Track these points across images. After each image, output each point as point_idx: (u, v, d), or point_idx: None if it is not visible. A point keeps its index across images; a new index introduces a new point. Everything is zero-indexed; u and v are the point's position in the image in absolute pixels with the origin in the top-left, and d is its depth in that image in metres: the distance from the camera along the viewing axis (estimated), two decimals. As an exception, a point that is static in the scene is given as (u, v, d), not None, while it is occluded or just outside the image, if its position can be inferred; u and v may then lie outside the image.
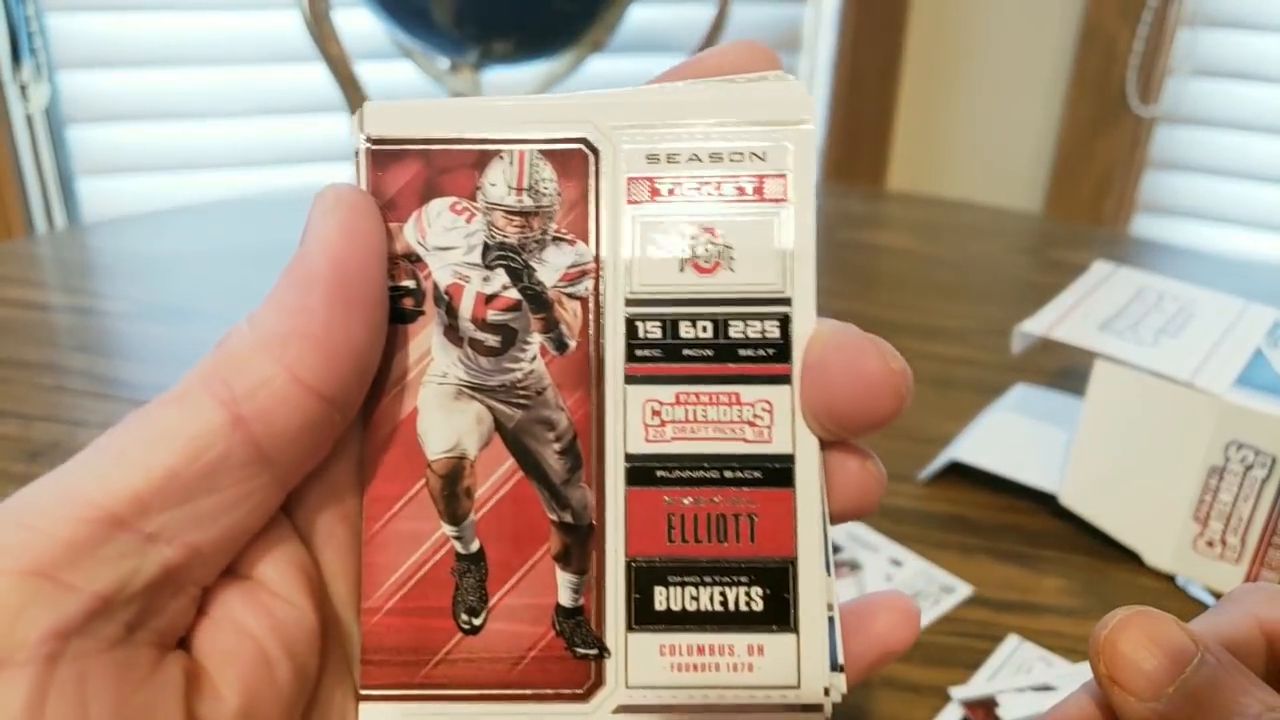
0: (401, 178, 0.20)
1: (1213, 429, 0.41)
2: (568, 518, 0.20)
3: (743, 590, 0.19)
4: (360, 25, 0.75)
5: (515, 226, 0.20)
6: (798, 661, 0.19)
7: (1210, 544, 0.42)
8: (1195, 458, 0.42)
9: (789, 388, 0.20)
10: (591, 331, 0.20)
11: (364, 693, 0.20)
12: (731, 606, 0.19)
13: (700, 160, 0.19)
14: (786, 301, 0.20)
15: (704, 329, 0.20)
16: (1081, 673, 0.39)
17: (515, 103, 0.20)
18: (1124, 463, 0.44)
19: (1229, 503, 0.41)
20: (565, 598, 0.20)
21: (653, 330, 0.20)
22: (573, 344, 0.20)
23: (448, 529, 0.20)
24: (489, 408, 0.20)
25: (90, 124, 1.15)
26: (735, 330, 0.20)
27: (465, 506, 0.20)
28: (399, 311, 0.20)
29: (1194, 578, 0.43)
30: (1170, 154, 1.32)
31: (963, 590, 0.43)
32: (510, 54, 0.76)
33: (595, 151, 0.20)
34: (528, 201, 0.20)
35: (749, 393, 0.20)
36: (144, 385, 0.60)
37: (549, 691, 0.20)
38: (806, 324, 0.20)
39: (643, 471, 0.20)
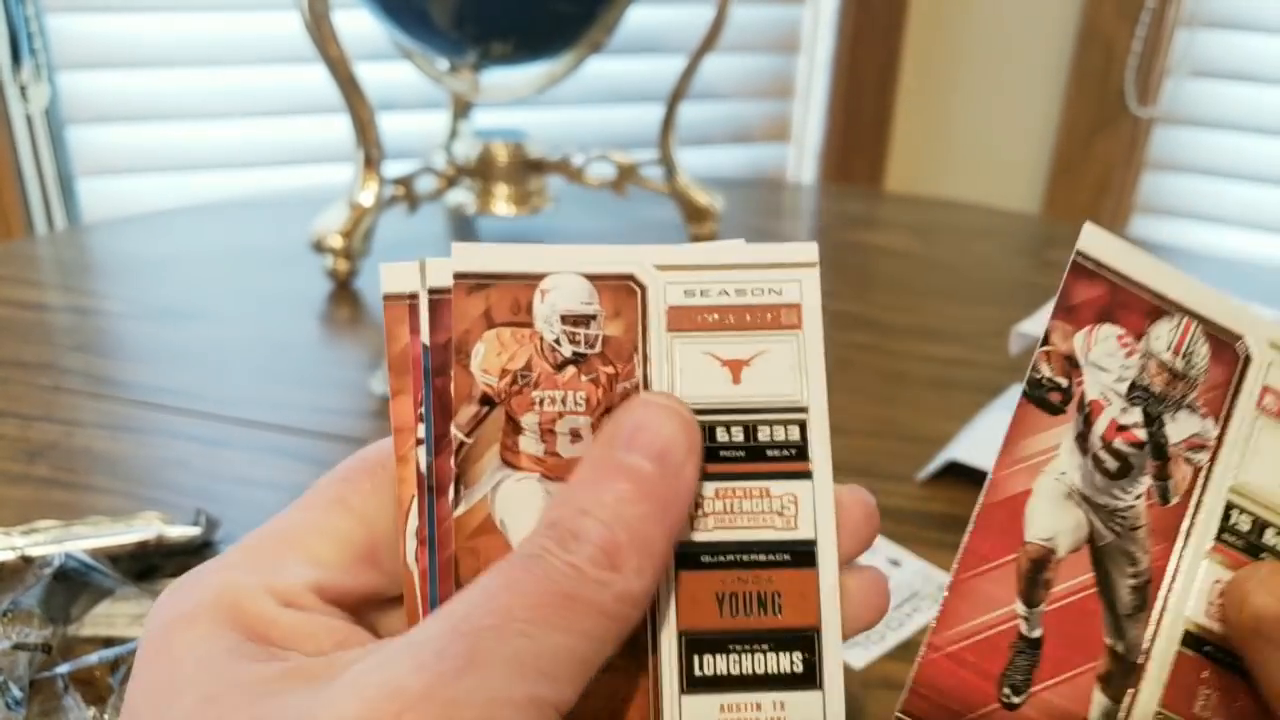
0: (1090, 293, 0.23)
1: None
2: (1120, 648, 0.23)
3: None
4: (360, 26, 0.75)
5: (1163, 381, 0.23)
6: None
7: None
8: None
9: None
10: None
11: (900, 715, 0.23)
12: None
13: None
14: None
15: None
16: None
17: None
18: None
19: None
20: (1094, 716, 0.22)
21: None
22: (1175, 500, 0.23)
23: (1020, 608, 0.23)
24: (1089, 520, 0.23)
25: (90, 124, 1.15)
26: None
27: (1040, 595, 0.23)
28: (1047, 402, 0.23)
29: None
30: (1168, 155, 1.32)
31: (960, 590, 0.43)
32: (509, 55, 0.76)
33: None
34: (1179, 365, 0.23)
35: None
36: (143, 385, 0.60)
37: None
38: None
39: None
